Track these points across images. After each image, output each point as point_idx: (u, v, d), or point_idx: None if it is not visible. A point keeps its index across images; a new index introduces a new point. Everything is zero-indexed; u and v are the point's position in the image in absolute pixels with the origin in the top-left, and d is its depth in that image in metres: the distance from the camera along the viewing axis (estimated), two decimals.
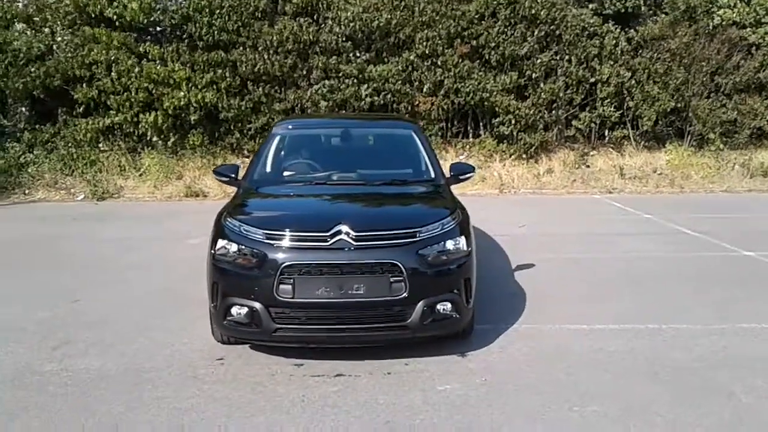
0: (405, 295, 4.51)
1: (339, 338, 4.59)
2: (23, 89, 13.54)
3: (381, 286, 4.50)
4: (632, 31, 14.59)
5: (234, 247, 4.64)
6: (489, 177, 14.01)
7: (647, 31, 14.50)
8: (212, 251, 4.76)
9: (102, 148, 13.94)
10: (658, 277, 7.23)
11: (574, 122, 14.63)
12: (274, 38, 13.40)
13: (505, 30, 13.84)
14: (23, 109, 14.60)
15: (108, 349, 5.23)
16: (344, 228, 4.57)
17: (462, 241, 4.81)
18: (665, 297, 6.55)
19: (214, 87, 13.41)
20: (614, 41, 14.26)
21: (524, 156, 14.33)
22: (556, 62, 14.18)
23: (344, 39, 13.50)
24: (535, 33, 13.93)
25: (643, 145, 15.01)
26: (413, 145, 6.03)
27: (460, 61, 13.76)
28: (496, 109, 14.06)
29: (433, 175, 5.73)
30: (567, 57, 14.18)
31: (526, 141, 14.19)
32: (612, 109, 14.36)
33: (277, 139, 6.14)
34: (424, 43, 13.60)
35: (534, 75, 14.09)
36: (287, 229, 4.62)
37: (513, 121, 14.09)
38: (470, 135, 14.81)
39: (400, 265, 4.49)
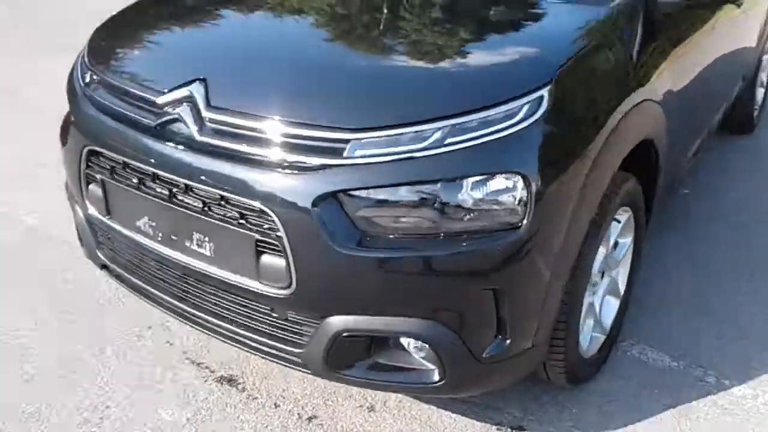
0: (287, 291, 1.79)
1: (192, 320, 2.12)
2: None
3: (239, 254, 1.85)
4: None
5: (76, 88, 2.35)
6: None
7: None
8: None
9: None
10: None
11: None
12: None
13: None
14: None
15: None
16: (196, 93, 1.90)
17: (518, 185, 1.72)
18: None
19: None
20: None
21: None
22: None
23: None
24: None
25: None
26: None
27: None
28: None
29: None
30: None
31: None
32: None
33: None
34: None
35: None
36: (118, 73, 2.14)
37: None
38: None
39: (274, 216, 1.73)
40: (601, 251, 2.21)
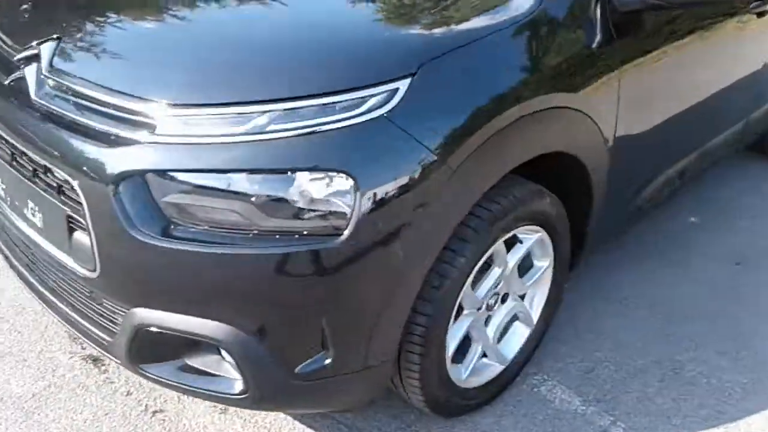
0: (93, 274, 1.66)
1: (36, 292, 2.02)
2: None
3: (59, 228, 1.74)
4: None
5: None
6: None
7: None
8: None
9: None
10: None
11: None
12: None
13: None
14: None
15: None
16: (44, 52, 1.80)
17: (345, 185, 1.52)
18: None
19: None
20: None
21: None
22: None
23: None
24: None
25: None
26: None
27: None
28: None
29: None
30: None
31: None
32: None
33: None
34: None
35: None
36: (4, 27, 2.06)
37: None
38: None
39: (79, 190, 1.61)
40: (495, 272, 1.98)
